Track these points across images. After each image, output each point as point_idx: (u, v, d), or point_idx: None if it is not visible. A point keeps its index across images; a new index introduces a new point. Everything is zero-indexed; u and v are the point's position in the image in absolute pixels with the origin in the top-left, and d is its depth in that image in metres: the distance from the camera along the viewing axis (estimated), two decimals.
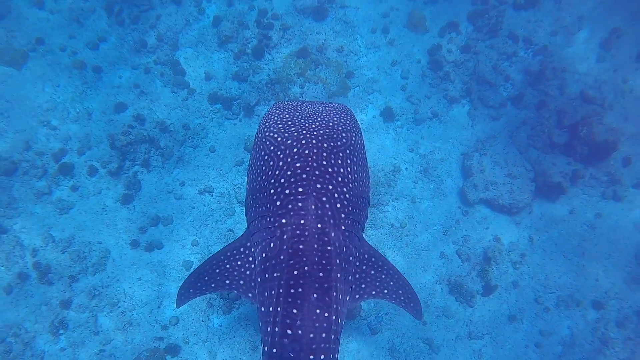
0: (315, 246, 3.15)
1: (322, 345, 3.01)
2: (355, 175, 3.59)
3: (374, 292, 3.65)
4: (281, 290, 3.06)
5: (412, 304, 3.86)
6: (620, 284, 7.84)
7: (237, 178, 8.24)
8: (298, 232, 3.18)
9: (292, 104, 4.08)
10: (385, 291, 3.70)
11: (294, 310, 3.00)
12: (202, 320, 7.33)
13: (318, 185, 3.30)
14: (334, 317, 3.10)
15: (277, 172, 3.41)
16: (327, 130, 3.66)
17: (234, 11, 9.03)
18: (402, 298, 3.80)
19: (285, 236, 3.19)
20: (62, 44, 8.74)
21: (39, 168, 7.78)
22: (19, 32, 8.70)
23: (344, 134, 3.71)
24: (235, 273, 3.56)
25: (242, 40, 8.76)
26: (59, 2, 9.02)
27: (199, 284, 3.72)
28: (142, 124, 8.13)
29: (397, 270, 3.76)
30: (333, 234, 3.23)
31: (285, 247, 3.16)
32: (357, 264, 3.51)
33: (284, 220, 3.23)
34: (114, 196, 7.85)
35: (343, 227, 3.32)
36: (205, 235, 7.79)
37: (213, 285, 3.66)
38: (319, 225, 3.20)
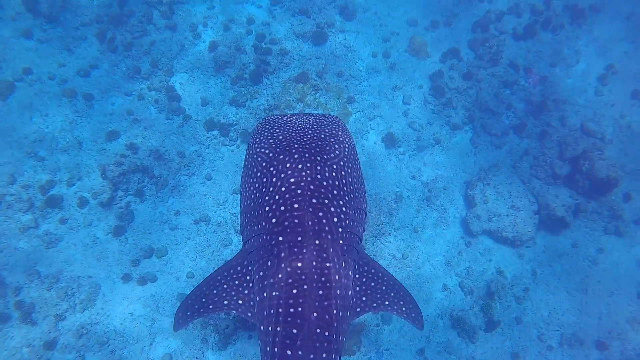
0: (314, 263, 3.05)
1: None
2: (351, 187, 3.50)
3: (374, 305, 3.54)
4: (280, 310, 2.98)
5: (413, 315, 3.72)
6: (623, 324, 7.67)
7: (235, 207, 7.98)
8: (295, 249, 3.07)
9: (282, 118, 3.97)
10: (387, 303, 3.58)
11: (294, 330, 2.92)
12: (197, 358, 7.02)
13: (314, 200, 3.19)
14: (334, 336, 3.01)
15: (270, 189, 3.31)
16: (320, 143, 3.56)
17: (230, 36, 8.82)
18: (404, 309, 3.67)
19: (282, 254, 3.09)
20: (52, 72, 8.44)
21: (25, 202, 7.44)
22: (5, 63, 8.38)
23: (336, 146, 3.61)
24: (233, 293, 3.46)
25: (240, 65, 8.53)
26: (49, 31, 8.73)
27: (196, 306, 3.58)
28: (135, 153, 7.85)
29: (397, 280, 3.66)
30: (331, 250, 3.13)
31: (283, 265, 3.07)
32: (357, 276, 3.42)
33: (280, 238, 3.13)
34: (105, 228, 7.54)
35: (341, 242, 3.22)
36: (201, 266, 7.50)
37: (211, 306, 3.52)
38: (317, 242, 3.10)
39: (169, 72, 8.55)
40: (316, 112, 8.50)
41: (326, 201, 3.22)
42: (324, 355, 2.95)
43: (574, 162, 8.37)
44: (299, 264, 3.04)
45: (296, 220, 3.12)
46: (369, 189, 8.20)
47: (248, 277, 3.40)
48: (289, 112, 8.39)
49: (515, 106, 9.06)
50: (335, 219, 3.21)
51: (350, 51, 9.10)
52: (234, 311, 3.47)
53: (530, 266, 8.11)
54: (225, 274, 3.51)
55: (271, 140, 3.60)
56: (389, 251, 7.88)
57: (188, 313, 3.61)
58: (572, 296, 7.91)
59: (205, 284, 3.57)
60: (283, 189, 3.25)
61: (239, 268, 3.47)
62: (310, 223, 3.11)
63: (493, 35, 9.49)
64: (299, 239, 3.09)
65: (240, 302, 3.43)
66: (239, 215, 7.81)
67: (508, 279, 7.88)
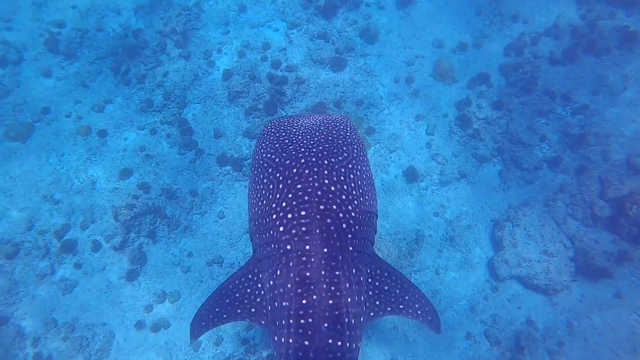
0: (323, 272, 2.98)
1: None
2: (360, 190, 3.38)
3: (389, 309, 3.50)
4: (291, 321, 2.96)
5: (429, 318, 3.63)
6: None
7: (248, 246, 7.73)
8: (304, 258, 3.00)
9: (287, 120, 3.83)
10: (401, 306, 3.53)
11: (306, 342, 2.90)
12: None
13: (321, 207, 3.11)
14: (347, 344, 2.97)
15: (277, 196, 3.22)
16: (327, 146, 3.45)
17: (245, 64, 8.44)
18: (420, 312, 3.60)
19: (291, 263, 3.03)
20: (68, 110, 8.38)
21: (42, 248, 7.44)
22: (25, 106, 8.38)
23: (344, 148, 3.49)
24: (245, 301, 3.44)
25: (254, 96, 8.18)
26: (66, 68, 8.65)
27: (210, 316, 3.57)
28: (147, 192, 7.68)
29: (412, 283, 3.58)
30: (341, 257, 3.05)
31: (291, 274, 3.01)
32: (370, 280, 3.37)
33: (288, 247, 3.06)
34: (119, 272, 7.44)
35: (351, 248, 3.13)
36: None
37: (225, 315, 3.52)
38: (325, 250, 3.02)
39: (181, 104, 8.29)
40: None
41: (334, 207, 3.14)
42: None
43: (619, 204, 7.59)
44: (308, 274, 2.97)
45: (304, 229, 3.05)
46: (388, 227, 7.78)
47: (259, 285, 3.37)
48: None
49: (550, 138, 8.34)
50: (344, 225, 3.13)
51: (370, 76, 8.59)
52: (247, 320, 3.46)
53: (565, 317, 7.48)
54: (237, 282, 3.48)
55: (277, 145, 3.50)
56: None
57: (203, 323, 3.61)
58: (617, 355, 7.19)
59: (218, 293, 3.55)
60: (290, 195, 3.16)
61: (250, 276, 3.43)
62: (318, 231, 3.03)
63: (527, 60, 8.73)
64: (307, 247, 3.01)
65: (253, 310, 3.41)
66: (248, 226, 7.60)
67: (540, 330, 7.35)
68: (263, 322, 3.36)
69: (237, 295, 3.46)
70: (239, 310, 3.46)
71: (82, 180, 7.90)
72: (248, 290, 3.42)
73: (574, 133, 8.17)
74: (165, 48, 8.53)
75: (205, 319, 3.61)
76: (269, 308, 3.21)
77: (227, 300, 3.49)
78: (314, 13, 8.86)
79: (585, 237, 7.61)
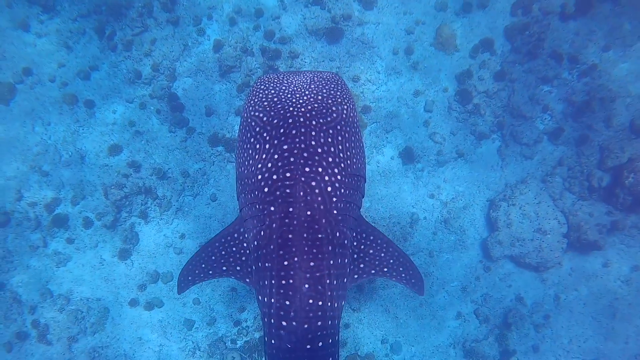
0: (305, 235, 3.02)
1: (319, 333, 3.03)
2: (348, 153, 3.33)
3: (373, 271, 3.60)
4: (273, 282, 3.03)
5: (413, 281, 3.77)
6: None
7: None
8: (287, 220, 3.04)
9: (277, 77, 3.72)
10: (385, 269, 3.64)
11: (287, 302, 3.00)
12: None
13: (307, 169, 3.09)
14: (329, 304, 3.07)
15: (263, 156, 3.19)
16: (316, 105, 3.36)
17: (237, 34, 8.00)
18: (403, 275, 3.73)
19: (274, 225, 3.06)
20: (52, 74, 7.97)
21: (32, 220, 7.39)
22: (4, 63, 7.94)
23: (334, 108, 3.40)
24: (231, 259, 3.54)
25: (246, 71, 7.82)
26: (46, 23, 8.11)
27: (196, 271, 3.73)
28: (138, 171, 7.53)
29: (398, 247, 3.67)
30: (324, 221, 3.08)
31: (274, 236, 3.06)
32: (355, 243, 3.43)
33: (272, 208, 3.09)
34: (111, 250, 7.46)
35: (335, 212, 3.14)
36: (207, 293, 7.41)
37: (210, 272, 3.67)
38: (309, 213, 3.04)
39: (171, 77, 7.94)
40: None
41: (320, 169, 3.11)
42: (319, 323, 3.02)
43: (617, 172, 7.38)
44: (290, 236, 3.01)
45: (288, 190, 3.05)
46: (382, 211, 7.71)
47: (245, 245, 3.42)
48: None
49: (552, 107, 8.04)
50: (329, 188, 3.11)
51: (368, 48, 8.17)
52: (232, 277, 3.58)
53: (553, 291, 7.65)
54: (223, 240, 3.55)
55: (265, 103, 3.41)
56: None
57: (189, 277, 3.76)
58: (598, 321, 7.46)
59: (204, 250, 3.65)
60: (276, 156, 3.13)
61: (235, 235, 3.48)
62: (302, 193, 3.03)
63: (535, 18, 8.15)
64: (290, 209, 3.03)
65: (238, 268, 3.51)
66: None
67: (528, 306, 7.49)
68: (248, 280, 3.46)
69: (223, 253, 3.54)
70: (224, 268, 3.57)
71: (70, 153, 7.72)
72: (234, 249, 3.49)
73: (578, 100, 7.83)
74: (153, 11, 8.04)
75: (192, 274, 3.74)
76: (254, 268, 3.27)
77: (213, 257, 3.60)
78: None
79: (580, 211, 7.58)
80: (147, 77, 7.89)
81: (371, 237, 3.54)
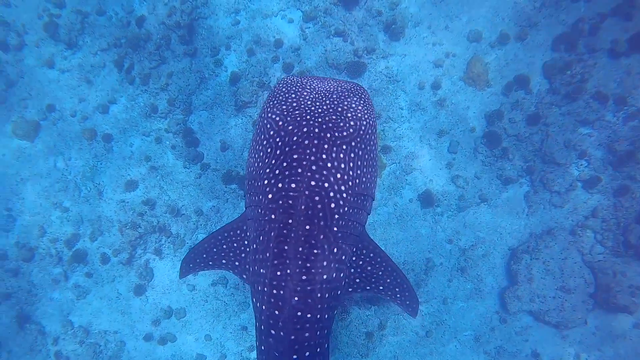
0: (300, 249, 3.03)
1: (306, 344, 3.08)
2: (359, 172, 3.27)
3: (368, 287, 3.60)
4: (265, 289, 3.07)
5: (408, 302, 3.76)
6: None
7: None
8: (285, 231, 3.04)
9: (301, 81, 3.64)
10: (381, 287, 3.63)
11: (276, 312, 3.05)
12: None
13: (312, 183, 3.05)
14: (318, 316, 3.09)
15: (273, 162, 3.16)
16: (334, 117, 3.27)
17: (254, 67, 7.72)
18: (399, 295, 3.71)
19: (272, 233, 3.08)
20: (73, 108, 8.08)
21: (54, 256, 7.71)
22: (30, 101, 8.10)
23: (352, 122, 3.30)
24: (231, 254, 3.61)
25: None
26: (69, 58, 8.17)
27: (197, 260, 3.86)
28: (152, 209, 7.58)
29: (397, 268, 3.64)
30: (322, 237, 3.07)
31: (271, 245, 3.08)
32: (354, 259, 3.42)
33: (273, 216, 3.09)
34: (127, 285, 7.64)
35: (335, 229, 3.12)
36: (218, 330, 7.53)
37: (210, 263, 3.78)
38: (307, 227, 3.03)
39: (186, 111, 7.82)
40: None
41: (326, 185, 3.07)
42: (307, 334, 3.07)
43: None
44: (286, 247, 3.02)
45: (290, 201, 3.03)
46: (397, 255, 7.49)
47: (246, 242, 3.46)
48: None
49: (591, 153, 7.42)
50: (333, 205, 3.08)
51: (391, 82, 7.74)
52: (230, 271, 3.66)
53: (574, 349, 7.30)
54: (225, 234, 3.61)
55: (284, 107, 3.36)
56: (412, 327, 7.39)
57: (191, 265, 3.92)
58: None
59: (207, 241, 3.75)
60: (285, 164, 3.10)
61: (238, 232, 3.53)
62: (303, 207, 3.01)
63: (579, 57, 7.42)
64: (290, 221, 3.02)
65: (237, 263, 3.57)
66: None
67: None
68: (245, 276, 3.50)
69: (224, 246, 3.61)
70: (224, 261, 3.65)
71: (89, 188, 7.86)
72: (234, 245, 3.54)
73: (621, 149, 7.20)
74: (170, 43, 7.86)
75: (193, 262, 3.87)
76: (251, 269, 3.31)
77: (215, 249, 3.67)
78: (333, 1, 7.82)
79: (612, 269, 7.08)
80: (163, 112, 7.81)
81: (371, 255, 3.49)
